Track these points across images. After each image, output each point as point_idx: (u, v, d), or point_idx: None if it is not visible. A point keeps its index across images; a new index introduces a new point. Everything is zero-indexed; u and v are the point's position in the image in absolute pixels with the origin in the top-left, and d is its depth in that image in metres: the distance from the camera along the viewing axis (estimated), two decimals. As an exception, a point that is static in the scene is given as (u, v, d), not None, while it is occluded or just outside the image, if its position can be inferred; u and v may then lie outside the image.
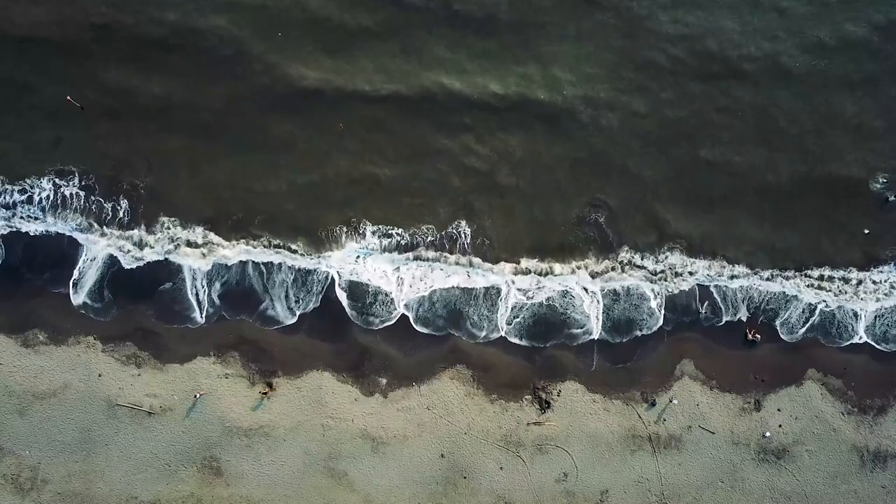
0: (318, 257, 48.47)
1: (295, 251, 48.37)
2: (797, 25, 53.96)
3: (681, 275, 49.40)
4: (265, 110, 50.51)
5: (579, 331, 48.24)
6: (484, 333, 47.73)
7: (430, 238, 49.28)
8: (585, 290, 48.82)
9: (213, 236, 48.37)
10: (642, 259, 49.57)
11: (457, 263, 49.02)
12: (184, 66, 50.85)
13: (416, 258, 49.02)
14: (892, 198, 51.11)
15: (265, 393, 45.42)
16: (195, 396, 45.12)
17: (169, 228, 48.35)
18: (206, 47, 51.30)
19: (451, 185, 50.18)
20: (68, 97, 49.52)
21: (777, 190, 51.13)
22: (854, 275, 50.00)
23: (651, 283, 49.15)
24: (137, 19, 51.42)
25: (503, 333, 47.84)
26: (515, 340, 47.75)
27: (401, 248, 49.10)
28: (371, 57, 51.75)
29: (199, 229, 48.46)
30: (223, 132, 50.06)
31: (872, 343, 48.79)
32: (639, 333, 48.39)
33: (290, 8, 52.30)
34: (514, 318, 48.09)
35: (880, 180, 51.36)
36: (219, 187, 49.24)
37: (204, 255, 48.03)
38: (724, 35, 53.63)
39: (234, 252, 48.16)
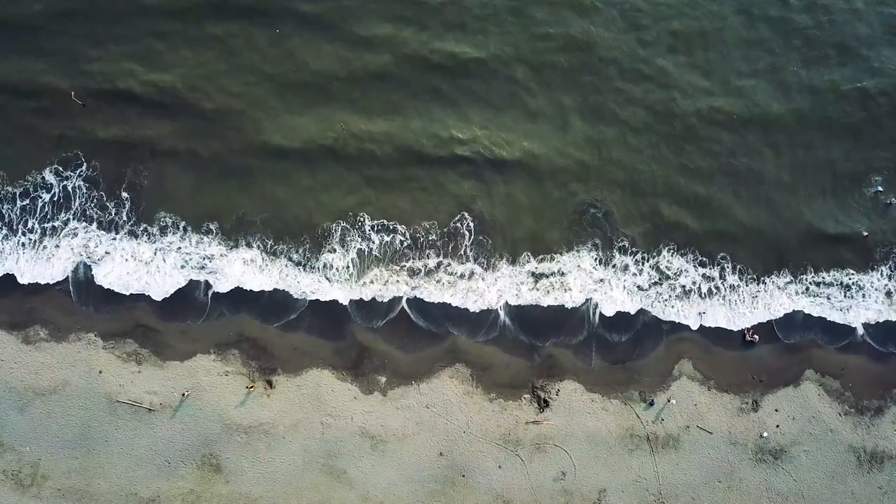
0: (318, 273, 48.64)
1: (298, 263, 48.53)
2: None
3: (674, 290, 49.61)
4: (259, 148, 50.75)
5: (580, 307, 48.47)
6: (483, 327, 47.96)
7: (432, 236, 49.42)
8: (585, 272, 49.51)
9: (214, 247, 48.45)
10: (634, 259, 49.80)
11: (460, 276, 49.02)
12: (181, 120, 50.85)
13: (415, 273, 48.93)
14: (892, 201, 51.38)
15: (251, 387, 45.55)
16: (183, 395, 45.27)
17: (168, 234, 48.37)
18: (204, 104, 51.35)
19: (448, 198, 50.71)
20: (72, 94, 49.86)
21: (773, 192, 51.58)
22: (854, 277, 50.21)
23: (644, 293, 49.31)
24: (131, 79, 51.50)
25: (502, 317, 48.08)
26: (508, 319, 47.98)
27: (402, 252, 49.14)
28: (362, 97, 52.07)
29: (201, 243, 48.49)
30: (220, 156, 50.59)
31: (871, 343, 48.96)
32: (641, 319, 48.77)
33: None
34: (513, 312, 48.53)
35: (874, 182, 51.64)
36: (219, 187, 49.63)
37: (204, 268, 48.30)
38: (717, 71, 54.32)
39: (235, 268, 48.19)
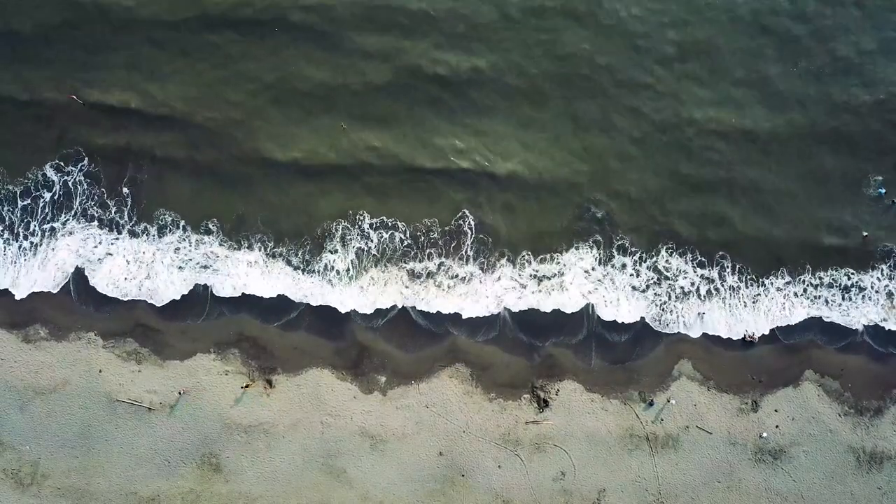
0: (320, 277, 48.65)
1: (297, 267, 48.51)
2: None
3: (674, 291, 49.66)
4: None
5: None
6: (483, 327, 47.99)
7: (433, 235, 49.35)
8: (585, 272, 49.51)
9: (215, 247, 48.45)
10: (633, 259, 49.80)
11: (461, 280, 48.86)
12: (181, 129, 50.53)
13: (416, 275, 48.82)
14: (894, 201, 51.33)
15: (247, 386, 45.58)
16: (179, 393, 45.31)
17: (168, 234, 48.34)
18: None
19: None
20: (72, 95, 49.91)
21: (771, 193, 51.52)
22: (854, 278, 50.18)
23: (643, 294, 49.35)
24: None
25: (502, 316, 48.15)
26: (508, 319, 48.06)
27: (402, 252, 49.12)
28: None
29: (202, 244, 48.45)
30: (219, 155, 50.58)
31: (871, 343, 48.91)
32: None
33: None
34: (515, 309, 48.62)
35: (874, 183, 51.59)
36: (219, 194, 49.61)
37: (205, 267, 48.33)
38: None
39: (238, 271, 48.16)
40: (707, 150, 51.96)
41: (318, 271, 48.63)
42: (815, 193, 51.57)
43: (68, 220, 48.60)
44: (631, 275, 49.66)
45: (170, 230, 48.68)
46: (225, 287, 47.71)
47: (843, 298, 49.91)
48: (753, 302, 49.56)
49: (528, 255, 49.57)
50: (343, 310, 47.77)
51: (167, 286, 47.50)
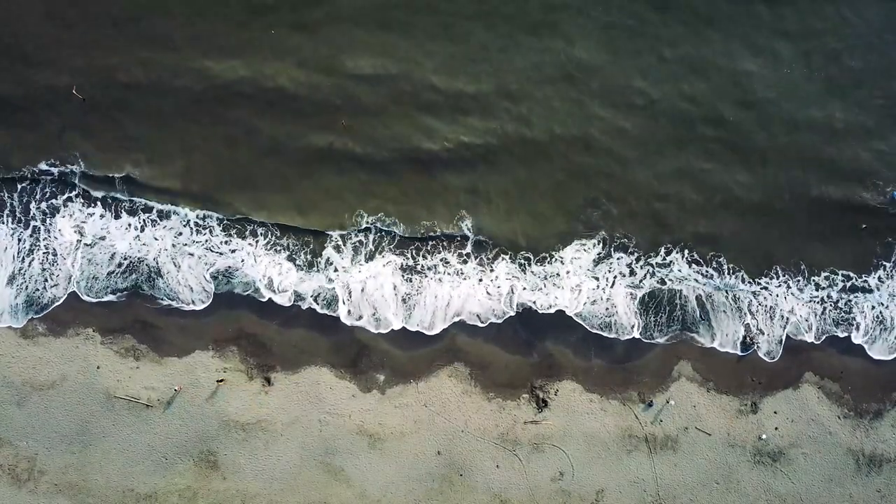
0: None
1: (301, 267, 48.30)
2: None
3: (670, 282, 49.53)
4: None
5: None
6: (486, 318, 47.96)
7: (436, 233, 49.12)
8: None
9: (213, 240, 48.38)
10: (633, 258, 49.64)
11: (462, 279, 48.71)
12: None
13: (414, 270, 48.69)
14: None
15: (221, 381, 45.47)
16: (175, 390, 45.21)
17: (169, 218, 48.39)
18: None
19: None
20: (74, 90, 49.80)
21: (769, 192, 51.33)
22: (853, 280, 50.01)
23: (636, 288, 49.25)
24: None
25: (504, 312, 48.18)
26: (507, 318, 47.91)
27: (399, 247, 49.04)
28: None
29: (205, 236, 48.57)
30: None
31: (868, 347, 48.84)
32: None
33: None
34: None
35: (871, 185, 51.35)
36: (217, 176, 49.59)
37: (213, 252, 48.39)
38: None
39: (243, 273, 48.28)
40: (705, 171, 51.45)
41: (321, 268, 48.38)
42: (814, 192, 51.35)
43: (68, 200, 48.33)
44: (632, 276, 49.28)
45: (176, 232, 48.64)
46: (237, 287, 47.59)
47: (843, 298, 49.62)
48: (754, 299, 49.35)
49: (527, 261, 49.20)
50: (346, 321, 47.67)
51: (194, 295, 47.42)
